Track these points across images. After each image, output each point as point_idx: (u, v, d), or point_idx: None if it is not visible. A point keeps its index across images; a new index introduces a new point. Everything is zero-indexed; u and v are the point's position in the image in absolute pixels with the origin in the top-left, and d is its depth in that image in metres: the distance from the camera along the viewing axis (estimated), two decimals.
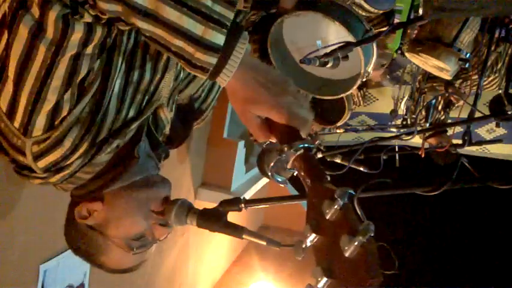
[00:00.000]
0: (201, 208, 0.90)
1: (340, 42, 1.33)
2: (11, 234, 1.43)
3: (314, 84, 1.54)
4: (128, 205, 0.92)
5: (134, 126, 0.87)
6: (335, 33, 1.39)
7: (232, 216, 0.83)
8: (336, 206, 0.46)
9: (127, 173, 0.90)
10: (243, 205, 0.87)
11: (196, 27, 0.64)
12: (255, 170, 3.30)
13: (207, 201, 2.81)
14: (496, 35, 1.92)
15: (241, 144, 2.88)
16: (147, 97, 0.89)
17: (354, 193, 0.50)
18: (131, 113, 0.86)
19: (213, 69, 0.66)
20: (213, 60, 0.65)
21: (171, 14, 0.63)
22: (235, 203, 0.87)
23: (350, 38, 1.35)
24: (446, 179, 0.73)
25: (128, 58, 0.81)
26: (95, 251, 0.95)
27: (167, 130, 1.03)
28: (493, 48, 1.94)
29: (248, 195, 3.05)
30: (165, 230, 0.95)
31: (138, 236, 0.93)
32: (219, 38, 0.65)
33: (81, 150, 0.80)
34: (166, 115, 0.98)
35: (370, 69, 1.46)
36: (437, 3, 1.00)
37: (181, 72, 0.99)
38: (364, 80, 1.48)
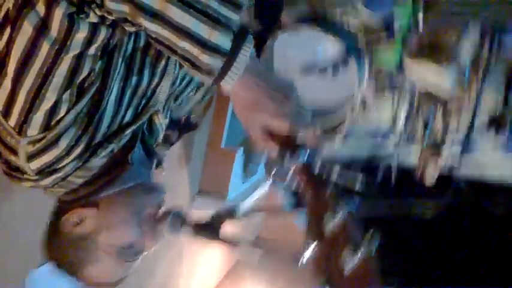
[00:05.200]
0: (196, 216, 0.88)
1: (340, 49, 1.35)
2: None
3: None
4: (122, 211, 0.90)
5: (129, 131, 0.86)
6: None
7: (228, 226, 0.82)
8: (337, 219, 0.45)
9: (120, 179, 0.88)
10: (238, 215, 0.85)
11: (203, 29, 0.64)
12: (253, 179, 3.28)
13: (203, 209, 2.79)
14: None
15: (239, 152, 2.86)
16: (144, 102, 0.88)
17: (356, 206, 0.48)
18: (127, 117, 0.85)
19: (218, 73, 0.66)
20: (218, 63, 0.65)
21: (178, 16, 0.63)
22: (231, 212, 0.85)
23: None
24: (444, 199, 0.72)
25: (128, 61, 0.80)
26: (82, 261, 0.91)
27: (161, 137, 1.01)
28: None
29: (246, 204, 3.03)
30: (157, 238, 0.93)
31: (131, 243, 0.91)
32: (225, 41, 0.64)
33: (76, 153, 0.78)
34: (161, 122, 0.97)
35: (362, 89, 1.47)
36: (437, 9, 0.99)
37: (179, 79, 0.98)
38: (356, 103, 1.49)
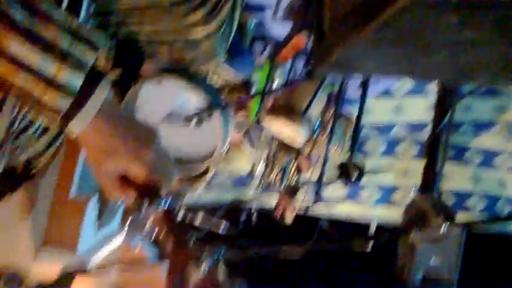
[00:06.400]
0: (41, 273, 0.77)
1: (204, 101, 1.38)
2: None
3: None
4: None
5: None
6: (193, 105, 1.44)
7: (79, 284, 0.73)
8: (201, 268, 0.43)
9: None
10: (91, 269, 0.77)
11: (50, 65, 0.57)
12: (107, 230, 3.05)
13: (50, 264, 2.47)
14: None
15: (92, 202, 2.65)
16: None
17: (220, 254, 0.47)
18: None
19: (65, 114, 0.59)
20: (65, 103, 0.58)
21: (22, 48, 0.55)
22: (82, 267, 0.77)
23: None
24: (308, 240, 0.75)
25: None
26: None
27: None
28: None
29: (98, 257, 2.78)
30: None
31: None
32: (75, 79, 0.59)
33: None
34: None
35: (226, 140, 1.52)
36: (334, 58, 1.10)
37: (18, 120, 0.87)
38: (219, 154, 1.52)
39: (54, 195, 2.61)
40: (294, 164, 2.86)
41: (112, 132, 0.64)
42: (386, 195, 3.08)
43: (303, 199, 2.74)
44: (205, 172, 1.79)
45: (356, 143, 2.00)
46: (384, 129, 3.19)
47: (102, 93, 0.62)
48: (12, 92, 0.58)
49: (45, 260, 2.53)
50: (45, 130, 0.94)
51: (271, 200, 2.66)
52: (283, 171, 2.81)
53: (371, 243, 1.45)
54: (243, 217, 1.73)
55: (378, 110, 3.12)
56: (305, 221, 2.75)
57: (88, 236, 2.77)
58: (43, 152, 0.97)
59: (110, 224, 2.94)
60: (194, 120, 1.38)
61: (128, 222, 0.64)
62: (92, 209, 2.69)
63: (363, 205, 3.07)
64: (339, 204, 2.92)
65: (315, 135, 2.41)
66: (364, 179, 2.32)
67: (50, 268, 0.79)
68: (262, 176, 2.82)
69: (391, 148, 3.15)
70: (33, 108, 0.59)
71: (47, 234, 2.63)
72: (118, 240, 3.16)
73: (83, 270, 0.76)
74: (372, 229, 2.02)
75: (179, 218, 0.60)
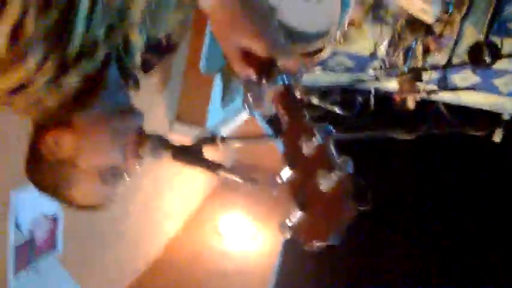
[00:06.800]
0: (177, 141, 0.89)
1: None
2: None
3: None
4: (102, 134, 0.89)
5: (103, 49, 0.82)
6: None
7: (209, 152, 0.83)
8: (314, 142, 0.46)
9: (95, 100, 0.85)
10: (219, 142, 0.86)
11: None
12: (232, 107, 3.28)
13: (181, 135, 2.81)
14: None
15: (218, 79, 2.82)
16: (117, 18, 0.83)
17: (332, 130, 0.49)
18: (100, 35, 0.81)
19: None
20: None
21: None
22: (211, 138, 0.86)
23: None
24: (423, 125, 0.74)
25: None
26: (62, 185, 0.90)
27: (138, 57, 0.97)
28: None
29: (223, 132, 3.05)
30: (138, 162, 0.93)
31: (112, 166, 0.91)
32: None
33: (45, 70, 0.75)
34: (138, 40, 0.93)
35: (346, 16, 1.45)
36: None
37: None
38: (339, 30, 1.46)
39: (185, 70, 2.84)
40: (421, 44, 2.65)
41: (237, 7, 0.68)
42: None
43: (427, 84, 2.58)
44: (321, 49, 1.76)
45: (496, 21, 1.75)
46: None
47: None
48: None
49: (178, 133, 2.86)
50: (180, 5, 1.01)
51: (391, 83, 2.55)
52: (409, 52, 2.63)
53: (499, 132, 1.35)
54: (360, 99, 1.72)
55: None
56: (426, 108, 2.61)
57: (215, 111, 3.02)
58: (178, 26, 1.05)
59: (233, 102, 3.15)
60: None
61: (248, 98, 0.68)
62: (217, 86, 2.88)
63: (495, 94, 2.78)
64: (466, 92, 2.69)
65: (449, 12, 2.16)
66: (501, 64, 2.06)
67: (183, 138, 0.90)
68: (384, 57, 2.68)
69: None
70: None
71: (179, 109, 2.93)
72: (241, 116, 3.41)
73: (212, 140, 0.86)
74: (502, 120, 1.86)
75: (296, 96, 0.62)
